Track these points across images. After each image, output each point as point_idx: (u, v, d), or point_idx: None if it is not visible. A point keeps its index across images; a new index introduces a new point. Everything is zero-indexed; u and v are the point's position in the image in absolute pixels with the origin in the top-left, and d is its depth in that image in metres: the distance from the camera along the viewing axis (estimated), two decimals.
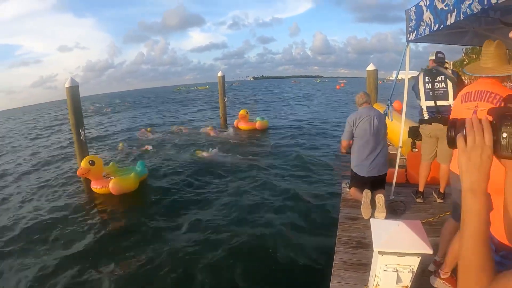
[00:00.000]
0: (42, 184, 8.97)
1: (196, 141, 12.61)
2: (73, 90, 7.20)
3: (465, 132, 0.77)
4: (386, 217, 3.55)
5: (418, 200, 4.11)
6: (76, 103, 7.27)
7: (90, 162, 6.96)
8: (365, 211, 3.71)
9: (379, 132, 3.90)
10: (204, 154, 9.99)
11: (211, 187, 7.25)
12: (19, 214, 6.86)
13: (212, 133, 13.45)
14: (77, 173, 7.23)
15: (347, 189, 4.37)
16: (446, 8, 2.38)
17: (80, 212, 6.54)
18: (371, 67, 9.39)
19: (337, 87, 58.66)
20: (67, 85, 7.12)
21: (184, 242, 4.91)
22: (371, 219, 2.44)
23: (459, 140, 0.78)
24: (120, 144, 12.43)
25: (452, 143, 0.84)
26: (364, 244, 3.16)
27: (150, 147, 11.43)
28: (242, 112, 14.22)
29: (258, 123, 13.93)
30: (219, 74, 14.47)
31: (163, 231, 5.38)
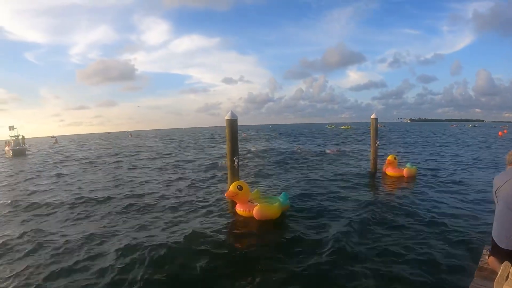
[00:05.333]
0: (195, 194, 10.68)
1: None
2: (232, 122, 8.04)
3: None
4: None
5: None
6: (233, 134, 8.08)
7: (238, 187, 7.77)
8: (497, 287, 2.97)
9: None
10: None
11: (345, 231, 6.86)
12: (168, 214, 8.16)
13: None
14: (225, 195, 8.12)
15: (487, 257, 3.62)
16: None
17: (222, 229, 7.28)
18: None
19: (500, 133, 48.86)
20: (227, 117, 7.99)
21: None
22: None
23: None
24: None
25: None
26: None
27: None
28: (390, 157, 13.45)
29: (406, 171, 12.91)
30: (372, 116, 14.07)
31: (295, 263, 5.43)
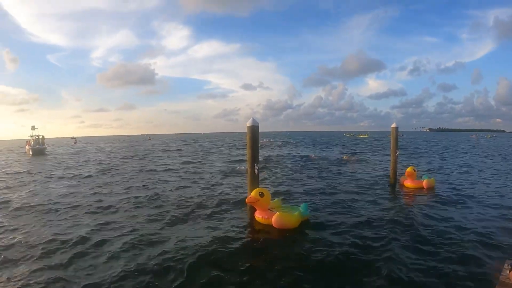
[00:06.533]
0: (215, 199, 10.67)
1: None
2: (253, 129, 7.95)
3: None
4: None
5: None
6: (254, 141, 8.00)
7: (260, 193, 7.69)
8: None
9: None
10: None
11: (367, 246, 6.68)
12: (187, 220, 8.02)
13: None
14: (246, 200, 8.04)
15: (508, 272, 3.44)
16: None
17: (241, 235, 7.19)
18: None
19: None
20: (248, 124, 7.92)
21: None
22: None
23: None
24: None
25: None
26: None
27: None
28: (409, 169, 13.14)
29: (425, 182, 12.64)
30: (393, 125, 13.80)
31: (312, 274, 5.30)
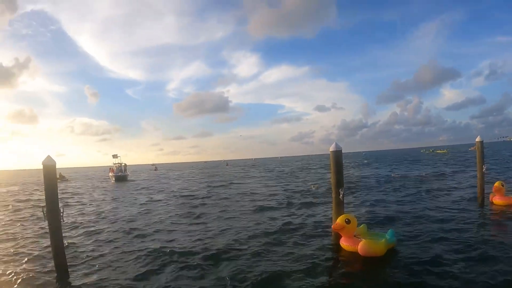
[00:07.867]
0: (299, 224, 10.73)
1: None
2: (337, 154, 8.07)
3: None
4: None
5: None
6: (338, 166, 8.09)
7: (346, 220, 7.62)
8: None
9: None
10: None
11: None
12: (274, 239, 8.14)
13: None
14: (332, 227, 8.04)
15: None
16: None
17: (325, 262, 7.19)
18: None
19: None
20: (331, 149, 8.06)
21: None
22: None
23: None
24: None
25: None
26: None
27: None
28: (497, 184, 12.27)
29: None
30: (477, 139, 13.01)
31: None
